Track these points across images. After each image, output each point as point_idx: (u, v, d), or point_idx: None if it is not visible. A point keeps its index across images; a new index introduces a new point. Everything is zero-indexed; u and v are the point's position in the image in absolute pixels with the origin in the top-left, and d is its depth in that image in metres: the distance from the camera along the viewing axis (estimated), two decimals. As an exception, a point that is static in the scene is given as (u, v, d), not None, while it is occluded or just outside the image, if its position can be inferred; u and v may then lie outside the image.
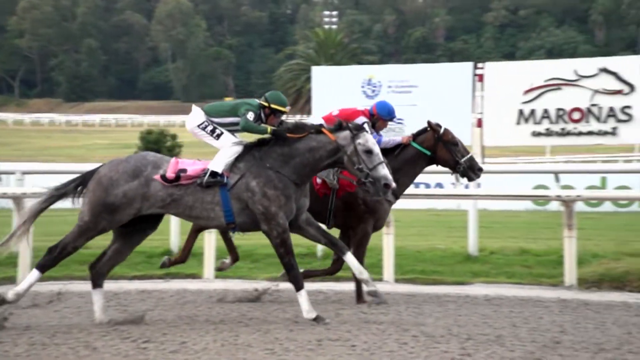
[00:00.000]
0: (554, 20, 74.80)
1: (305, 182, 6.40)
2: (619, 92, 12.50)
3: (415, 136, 7.24)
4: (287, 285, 6.60)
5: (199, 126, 6.50)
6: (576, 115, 12.92)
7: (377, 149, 6.23)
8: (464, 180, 7.65)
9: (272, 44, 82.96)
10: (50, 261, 6.28)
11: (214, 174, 6.26)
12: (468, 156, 7.15)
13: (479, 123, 13.77)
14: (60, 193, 6.40)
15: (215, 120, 6.50)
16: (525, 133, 13.44)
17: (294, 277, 6.23)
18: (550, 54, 61.84)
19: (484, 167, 12.77)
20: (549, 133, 13.27)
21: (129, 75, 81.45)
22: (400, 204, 10.90)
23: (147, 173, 6.28)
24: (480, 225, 10.14)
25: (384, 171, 6.14)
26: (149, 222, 6.51)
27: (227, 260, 7.64)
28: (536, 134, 13.39)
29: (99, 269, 6.47)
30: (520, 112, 13.35)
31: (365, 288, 6.80)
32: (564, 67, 13.10)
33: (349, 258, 6.38)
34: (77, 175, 6.50)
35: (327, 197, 7.00)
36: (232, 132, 6.51)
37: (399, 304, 6.55)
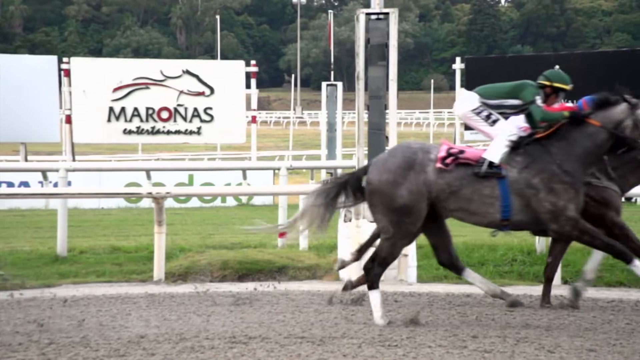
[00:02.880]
0: (137, 20, 75.96)
1: (587, 173, 6.16)
2: (201, 93, 13.22)
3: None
4: None
5: (473, 111, 6.23)
6: (165, 115, 13.33)
7: None
8: (54, 179, 7.35)
9: None
10: (375, 277, 6.09)
11: (490, 164, 5.94)
12: None
13: (68, 119, 13.42)
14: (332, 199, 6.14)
15: (491, 102, 6.18)
16: (116, 131, 13.43)
17: (619, 252, 6.07)
18: (136, 53, 62.73)
19: (76, 165, 12.64)
20: (140, 131, 13.45)
21: None
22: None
23: (420, 159, 5.99)
24: (71, 225, 9.87)
25: None
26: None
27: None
28: (128, 132, 13.47)
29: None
30: (111, 109, 13.30)
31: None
32: (151, 67, 13.40)
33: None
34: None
35: None
36: (504, 114, 6.17)
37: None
